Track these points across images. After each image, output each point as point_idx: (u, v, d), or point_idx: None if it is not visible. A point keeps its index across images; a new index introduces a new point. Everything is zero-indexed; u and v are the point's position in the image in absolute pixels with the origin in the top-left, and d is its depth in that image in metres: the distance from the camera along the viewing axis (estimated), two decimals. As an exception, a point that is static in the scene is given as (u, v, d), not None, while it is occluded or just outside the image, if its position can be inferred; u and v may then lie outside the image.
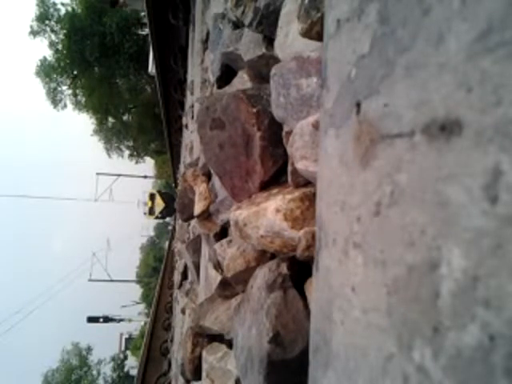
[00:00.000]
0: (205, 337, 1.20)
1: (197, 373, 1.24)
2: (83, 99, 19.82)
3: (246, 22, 0.98)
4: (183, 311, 2.89)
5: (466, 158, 0.23)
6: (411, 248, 0.27)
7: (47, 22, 18.02)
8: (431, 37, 0.26)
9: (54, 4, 17.98)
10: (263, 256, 0.82)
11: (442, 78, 0.25)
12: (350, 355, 0.35)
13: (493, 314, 0.21)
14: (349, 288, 0.35)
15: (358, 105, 0.35)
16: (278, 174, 0.81)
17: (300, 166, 0.61)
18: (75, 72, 18.75)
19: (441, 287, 0.24)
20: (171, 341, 4.44)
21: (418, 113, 0.27)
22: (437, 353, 0.24)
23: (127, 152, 23.19)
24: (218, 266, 1.13)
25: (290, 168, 0.70)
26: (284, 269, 0.67)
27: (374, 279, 0.31)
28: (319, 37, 0.58)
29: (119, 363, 28.83)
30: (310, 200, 0.63)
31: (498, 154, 0.21)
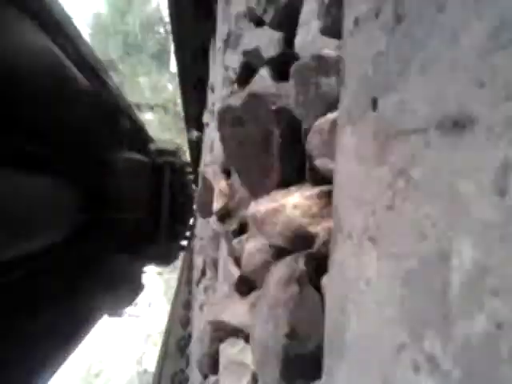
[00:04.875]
0: (222, 331, 1.21)
1: (214, 367, 1.26)
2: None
3: (267, 19, 0.99)
4: (201, 307, 2.92)
5: (478, 152, 0.23)
6: (423, 240, 0.27)
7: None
8: (445, 34, 0.26)
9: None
10: (281, 252, 0.82)
11: (456, 75, 0.25)
12: (363, 346, 0.35)
13: (501, 303, 0.21)
14: (363, 281, 0.36)
15: (375, 101, 0.36)
16: (296, 171, 0.82)
17: (318, 163, 0.62)
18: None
19: (452, 278, 0.25)
20: (189, 337, 4.48)
21: (432, 109, 0.27)
22: (447, 342, 0.25)
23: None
24: (236, 262, 1.14)
25: (308, 165, 0.70)
26: (301, 264, 0.68)
27: (387, 272, 0.32)
28: (338, 35, 0.58)
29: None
30: (328, 197, 0.64)
31: (508, 148, 0.21)
